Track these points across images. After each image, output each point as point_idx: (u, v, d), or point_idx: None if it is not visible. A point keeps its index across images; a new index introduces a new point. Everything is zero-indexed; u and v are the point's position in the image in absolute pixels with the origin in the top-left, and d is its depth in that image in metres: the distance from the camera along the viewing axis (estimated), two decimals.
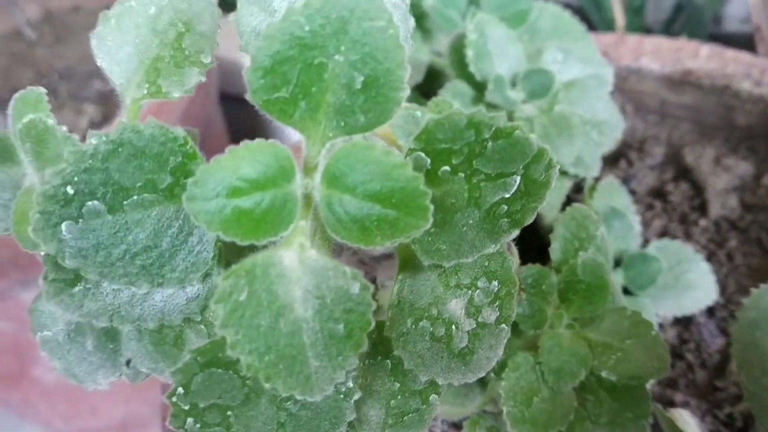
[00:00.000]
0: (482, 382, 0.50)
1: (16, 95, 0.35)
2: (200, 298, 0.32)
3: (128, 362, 0.38)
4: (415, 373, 0.35)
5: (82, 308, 0.32)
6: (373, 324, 0.29)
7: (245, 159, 0.28)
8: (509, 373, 0.45)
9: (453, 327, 0.35)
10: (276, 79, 0.28)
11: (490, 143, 0.31)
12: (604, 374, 0.46)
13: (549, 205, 0.65)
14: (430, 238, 0.32)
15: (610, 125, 0.66)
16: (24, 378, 1.19)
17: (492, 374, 0.45)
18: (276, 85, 0.28)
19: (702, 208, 0.77)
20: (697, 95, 0.80)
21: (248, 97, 0.28)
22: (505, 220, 0.32)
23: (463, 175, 0.31)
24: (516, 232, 0.33)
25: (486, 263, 0.36)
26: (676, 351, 0.67)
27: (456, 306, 0.35)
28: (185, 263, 0.31)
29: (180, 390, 0.31)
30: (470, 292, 0.36)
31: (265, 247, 0.30)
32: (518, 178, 0.32)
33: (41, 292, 0.39)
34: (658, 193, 0.79)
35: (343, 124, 0.29)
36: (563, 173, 0.63)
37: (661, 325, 0.68)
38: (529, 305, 0.46)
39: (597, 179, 0.69)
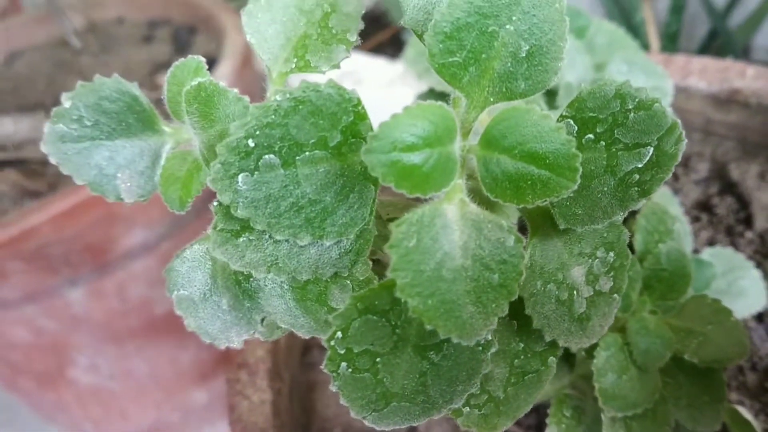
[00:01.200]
0: (568, 363, 0.52)
1: (177, 63, 0.37)
2: (352, 252, 0.35)
3: (263, 320, 0.40)
4: (538, 335, 0.38)
5: (243, 258, 0.34)
6: None
7: (418, 118, 0.31)
8: (600, 351, 0.47)
9: (575, 292, 0.38)
10: (453, 44, 0.31)
11: (632, 114, 0.34)
12: (686, 357, 0.48)
13: None
14: (568, 203, 0.35)
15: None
16: (60, 378, 1.20)
17: (583, 352, 0.48)
18: (452, 50, 0.31)
19: (747, 221, 0.80)
20: (744, 114, 0.83)
21: (427, 60, 0.31)
22: (636, 189, 0.35)
23: (603, 143, 0.34)
24: (643, 202, 0.36)
25: (605, 234, 0.38)
26: None
27: (578, 273, 0.38)
28: (344, 218, 0.34)
29: (338, 334, 0.34)
30: (590, 260, 0.38)
31: (424, 201, 0.33)
32: (651, 149, 0.35)
33: (176, 255, 0.42)
34: (704, 207, 0.82)
35: (504, 90, 0.32)
36: None
37: None
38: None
39: None
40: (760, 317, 0.72)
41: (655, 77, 0.70)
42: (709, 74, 0.84)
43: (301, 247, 0.35)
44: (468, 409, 0.37)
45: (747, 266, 0.71)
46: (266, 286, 0.38)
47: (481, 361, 0.35)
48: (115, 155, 0.39)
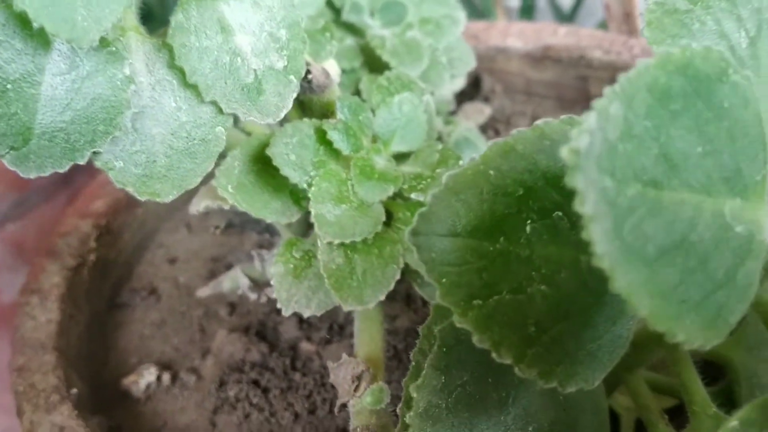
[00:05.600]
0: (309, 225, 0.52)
1: None
2: None
3: None
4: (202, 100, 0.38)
5: None
6: None
7: None
8: (319, 181, 0.47)
9: (238, 59, 0.38)
10: None
11: None
12: (413, 196, 0.49)
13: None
14: None
15: (461, 56, 0.72)
16: None
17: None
18: None
19: None
20: (557, 70, 0.87)
21: None
22: None
23: None
24: None
25: (275, 11, 0.39)
26: None
27: (243, 41, 0.38)
28: None
29: None
30: (258, 33, 0.39)
31: None
32: None
33: None
34: None
35: None
36: None
37: None
38: (345, 129, 0.49)
39: (453, 113, 0.75)
40: None
41: (448, 7, 0.73)
42: (525, 35, 0.88)
43: None
44: (121, 163, 0.36)
45: None
46: None
47: (122, 99, 0.35)
48: None
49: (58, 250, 0.72)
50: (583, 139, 0.23)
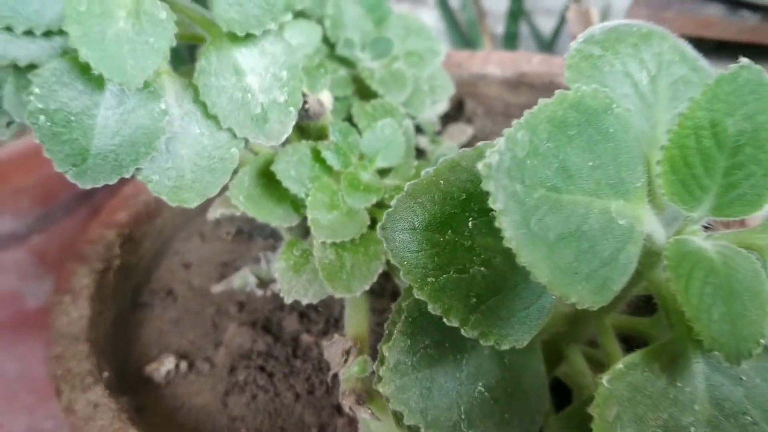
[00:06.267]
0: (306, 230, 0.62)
1: None
2: None
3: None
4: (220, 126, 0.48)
5: None
6: None
7: None
8: (315, 192, 0.57)
9: (249, 95, 0.48)
10: None
11: None
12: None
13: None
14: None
15: (442, 83, 0.82)
16: None
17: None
18: None
19: None
20: (531, 94, 0.97)
21: None
22: None
23: None
24: None
25: (277, 54, 0.49)
26: None
27: (253, 81, 0.49)
28: None
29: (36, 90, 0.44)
30: (264, 74, 0.49)
31: None
32: None
33: None
34: None
35: None
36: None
37: None
38: (336, 149, 0.59)
39: (439, 133, 0.85)
40: None
41: (429, 42, 0.83)
42: (503, 63, 0.98)
43: None
44: (157, 177, 0.47)
45: None
46: None
47: (159, 127, 0.45)
48: None
49: (86, 256, 0.82)
50: (494, 157, 0.33)
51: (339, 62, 0.78)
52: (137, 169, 0.45)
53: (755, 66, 0.39)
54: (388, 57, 0.79)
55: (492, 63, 0.99)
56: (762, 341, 0.37)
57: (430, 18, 1.48)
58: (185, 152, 0.47)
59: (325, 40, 0.79)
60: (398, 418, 0.43)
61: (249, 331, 0.76)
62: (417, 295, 0.40)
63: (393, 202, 0.40)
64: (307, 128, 0.58)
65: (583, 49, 0.45)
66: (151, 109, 0.45)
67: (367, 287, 0.56)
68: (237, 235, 0.84)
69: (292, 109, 0.49)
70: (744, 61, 0.39)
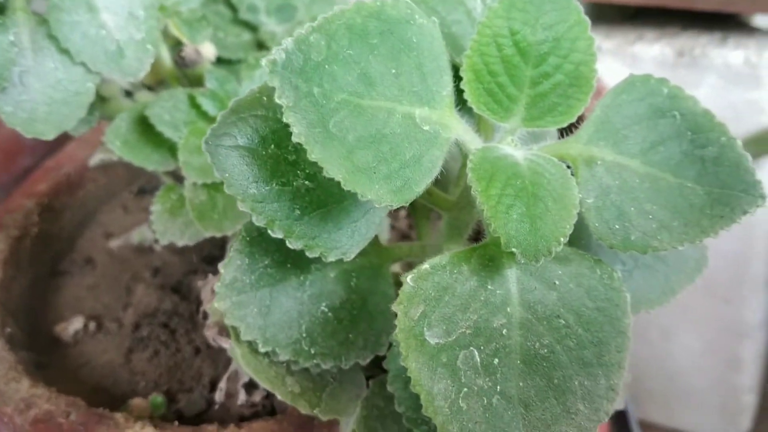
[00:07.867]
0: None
1: None
2: None
3: None
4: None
5: None
6: None
7: None
8: (188, 136, 0.58)
9: (103, 31, 0.50)
10: None
11: None
12: None
13: None
14: None
15: None
16: None
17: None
18: None
19: None
20: None
21: None
22: None
23: None
24: None
25: None
26: None
27: (107, 17, 0.50)
28: None
29: None
30: (120, 12, 0.51)
31: None
32: None
33: None
34: None
35: None
36: None
37: None
38: (212, 95, 0.61)
39: None
40: None
41: (335, 6, 0.85)
42: None
43: None
44: (11, 109, 0.48)
45: None
46: None
47: (8, 58, 0.47)
48: None
49: (3, 223, 0.83)
50: (280, 54, 0.35)
51: (243, 26, 0.79)
52: None
53: None
54: (292, 22, 0.80)
55: None
56: (563, 240, 0.38)
57: None
58: (39, 85, 0.49)
59: (230, 4, 0.81)
60: (237, 334, 0.45)
61: (157, 292, 0.77)
62: (240, 207, 0.41)
63: (218, 119, 0.42)
64: (185, 76, 0.60)
65: None
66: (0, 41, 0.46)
67: (238, 227, 0.57)
68: (139, 194, 0.86)
69: (149, 46, 0.51)
70: None
